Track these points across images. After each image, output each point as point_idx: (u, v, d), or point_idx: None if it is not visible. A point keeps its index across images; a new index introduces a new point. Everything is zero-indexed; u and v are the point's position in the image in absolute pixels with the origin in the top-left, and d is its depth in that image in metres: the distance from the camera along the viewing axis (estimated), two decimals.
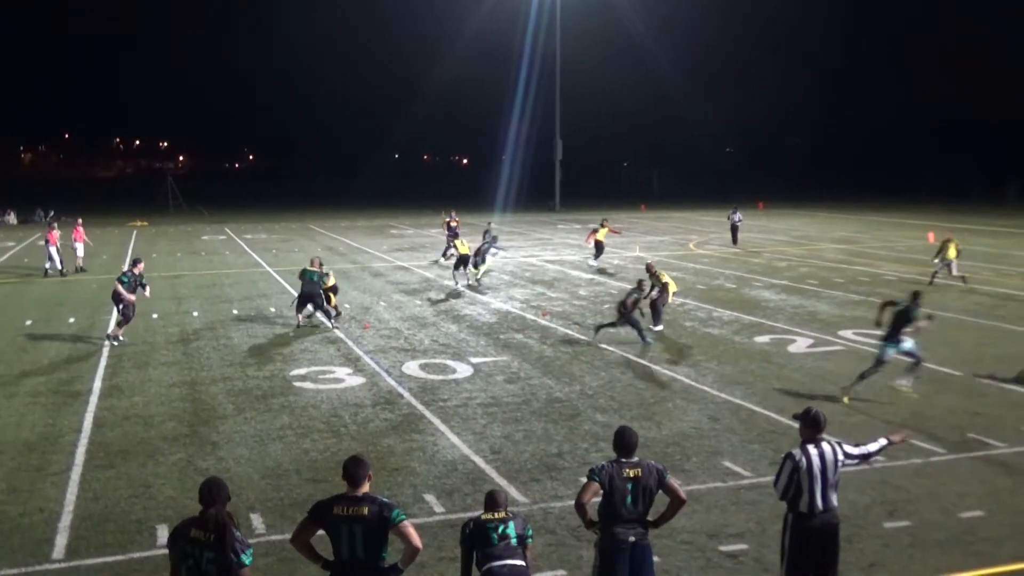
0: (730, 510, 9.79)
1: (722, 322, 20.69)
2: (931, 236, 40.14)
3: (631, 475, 6.70)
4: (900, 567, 8.50)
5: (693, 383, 15.23)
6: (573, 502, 9.95)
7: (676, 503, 6.80)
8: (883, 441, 7.39)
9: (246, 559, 5.54)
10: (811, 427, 7.15)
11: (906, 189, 78.05)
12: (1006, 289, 25.53)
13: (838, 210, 61.25)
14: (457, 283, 26.87)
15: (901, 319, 14.17)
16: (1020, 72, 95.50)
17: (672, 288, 19.91)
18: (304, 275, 20.41)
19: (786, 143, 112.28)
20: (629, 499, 6.68)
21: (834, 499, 7.05)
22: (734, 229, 38.84)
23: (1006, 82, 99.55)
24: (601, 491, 6.73)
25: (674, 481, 6.86)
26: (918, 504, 9.98)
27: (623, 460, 6.77)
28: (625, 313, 18.23)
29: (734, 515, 9.69)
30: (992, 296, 24.19)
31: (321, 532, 6.07)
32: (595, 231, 32.30)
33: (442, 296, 24.98)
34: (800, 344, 18.20)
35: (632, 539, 6.72)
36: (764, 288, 26.04)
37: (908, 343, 14.13)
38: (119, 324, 18.82)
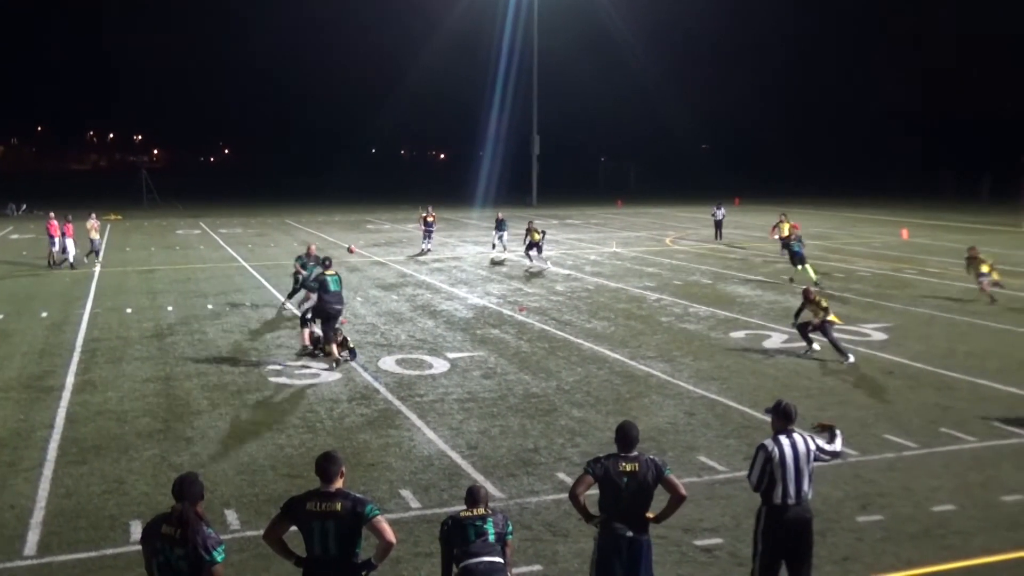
0: (705, 505, 9.84)
1: (698, 318, 20.78)
2: (905, 233, 40.54)
3: (627, 469, 6.68)
4: (873, 560, 8.57)
5: (669, 378, 15.29)
6: (550, 497, 10.03)
7: (676, 499, 6.79)
8: (839, 433, 7.51)
9: (217, 556, 5.51)
10: (782, 419, 7.24)
11: (882, 186, 78.64)
12: (976, 285, 25.73)
13: (814, 206, 61.64)
14: (532, 262, 30.26)
15: None
16: (995, 72, 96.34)
17: (832, 319, 16.98)
18: (325, 283, 16.46)
19: (762, 139, 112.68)
20: (625, 494, 6.67)
21: (807, 491, 7.10)
22: (717, 224, 39.25)
23: (982, 81, 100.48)
24: (595, 484, 6.73)
25: (674, 477, 6.85)
26: (891, 498, 10.07)
27: (621, 454, 6.77)
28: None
29: (709, 510, 9.74)
30: (963, 291, 24.41)
31: (294, 528, 6.05)
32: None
33: (419, 291, 24.94)
34: (775, 340, 18.31)
35: (629, 534, 6.70)
36: (740, 284, 26.18)
37: None
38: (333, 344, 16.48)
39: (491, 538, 6.40)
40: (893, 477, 10.69)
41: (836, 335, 16.62)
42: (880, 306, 22.24)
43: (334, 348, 16.17)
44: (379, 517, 5.92)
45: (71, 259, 29.99)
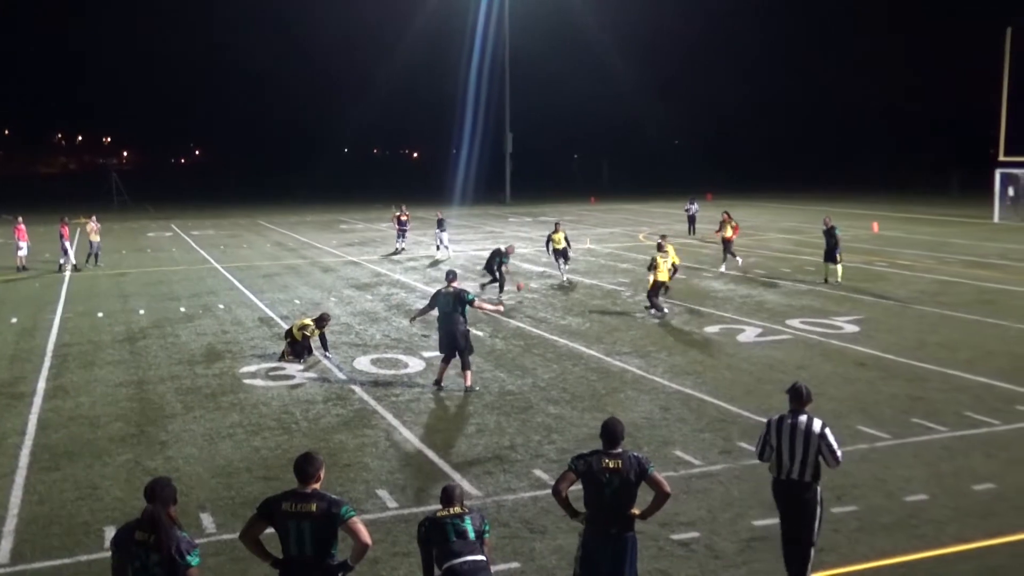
0: (681, 499, 9.88)
1: (672, 313, 20.86)
2: (875, 226, 40.91)
3: (610, 466, 6.69)
4: (848, 550, 8.66)
5: (644, 374, 15.35)
6: (526, 494, 10.05)
7: (661, 496, 6.81)
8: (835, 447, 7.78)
9: (192, 560, 5.48)
10: (791, 400, 7.78)
11: (854, 180, 79.28)
12: (946, 276, 26.07)
13: (786, 200, 62.07)
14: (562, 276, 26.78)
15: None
16: (963, 67, 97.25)
17: (661, 277, 20.41)
18: (437, 300, 14.47)
19: (735, 134, 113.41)
20: (608, 490, 6.68)
21: (807, 471, 7.51)
22: (691, 220, 39.43)
23: (950, 77, 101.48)
24: (577, 480, 6.76)
25: (658, 474, 6.86)
26: (864, 489, 10.17)
27: (605, 451, 6.78)
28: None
29: (685, 504, 9.79)
30: (933, 283, 24.69)
31: (271, 530, 6.03)
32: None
33: (394, 290, 24.88)
34: (749, 334, 18.43)
35: (613, 531, 6.73)
36: (713, 279, 26.31)
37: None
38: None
39: (471, 536, 6.38)
40: (866, 468, 10.79)
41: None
42: (852, 299, 22.43)
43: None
44: (355, 518, 5.92)
45: (72, 261, 30.22)
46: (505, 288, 23.80)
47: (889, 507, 9.67)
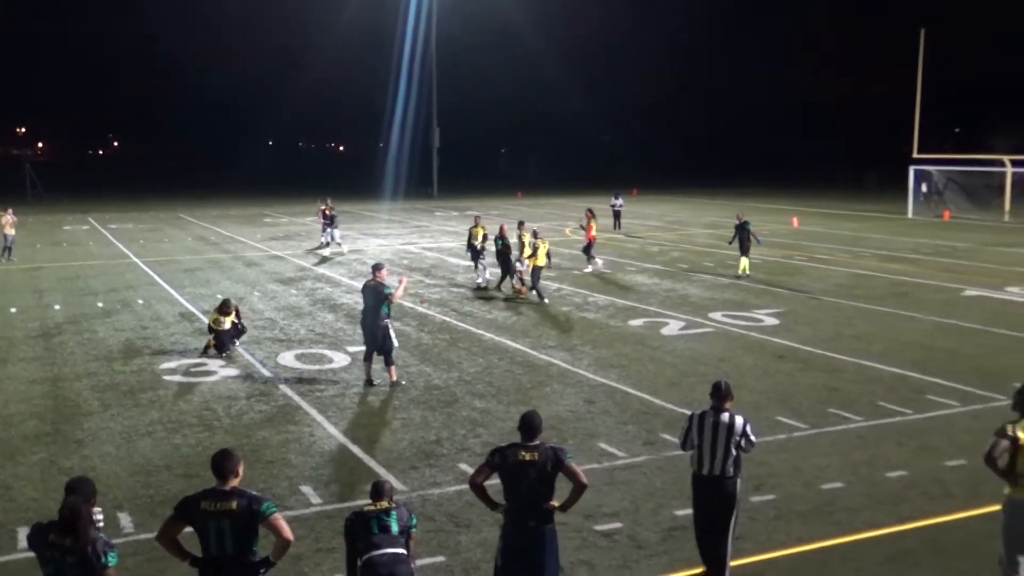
0: (604, 490, 10.00)
1: (597, 306, 21.06)
2: (795, 221, 41.83)
3: (527, 458, 6.72)
4: (765, 538, 8.86)
5: (569, 367, 15.47)
6: (452, 489, 10.06)
7: (578, 487, 6.85)
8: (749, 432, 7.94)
9: (110, 560, 5.37)
10: (713, 396, 7.92)
11: (774, 176, 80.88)
12: (861, 270, 26.79)
13: (708, 196, 63.06)
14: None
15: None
16: (880, 62, 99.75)
17: (539, 263, 21.73)
18: (364, 293, 14.43)
19: (659, 130, 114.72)
20: (525, 482, 6.72)
21: (727, 467, 7.65)
22: (616, 214, 39.80)
23: (868, 72, 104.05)
24: (493, 473, 6.80)
25: (574, 465, 6.90)
26: (782, 478, 10.41)
27: (522, 443, 6.82)
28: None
29: (608, 495, 9.90)
30: (849, 276, 25.35)
31: (189, 529, 5.93)
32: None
33: (318, 285, 24.63)
34: (673, 327, 18.69)
35: (532, 523, 6.76)
36: (638, 272, 26.62)
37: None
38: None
39: (394, 530, 6.39)
40: (784, 458, 11.05)
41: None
42: (771, 292, 22.91)
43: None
44: (276, 515, 5.86)
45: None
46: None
47: (806, 495, 9.92)
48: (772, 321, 19.22)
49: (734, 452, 7.68)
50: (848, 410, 12.90)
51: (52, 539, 5.39)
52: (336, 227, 33.10)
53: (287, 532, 5.83)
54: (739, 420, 7.74)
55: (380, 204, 57.18)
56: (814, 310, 20.56)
